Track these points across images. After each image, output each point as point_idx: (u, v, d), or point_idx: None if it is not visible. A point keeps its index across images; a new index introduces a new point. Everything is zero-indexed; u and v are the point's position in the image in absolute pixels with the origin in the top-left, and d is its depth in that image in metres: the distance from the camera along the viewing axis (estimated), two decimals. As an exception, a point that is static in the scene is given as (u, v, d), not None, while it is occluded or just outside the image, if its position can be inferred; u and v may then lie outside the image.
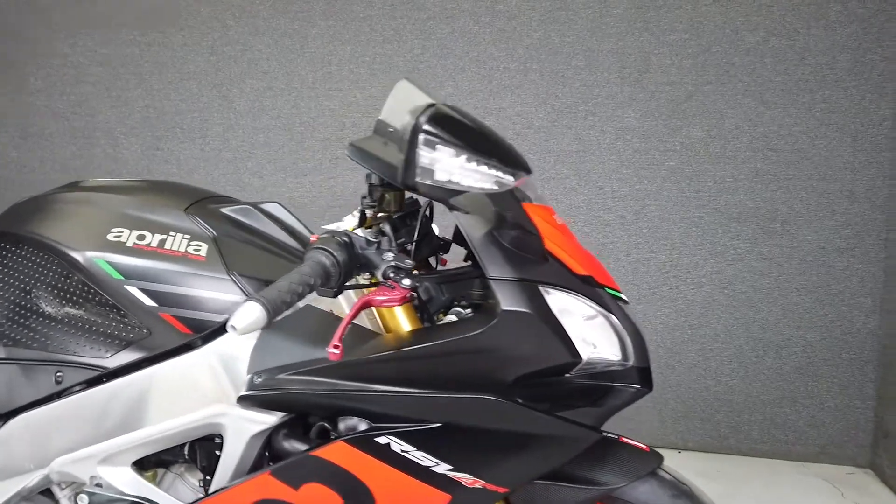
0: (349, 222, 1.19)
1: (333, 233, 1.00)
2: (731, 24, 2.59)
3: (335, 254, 0.96)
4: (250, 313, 0.85)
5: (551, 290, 0.96)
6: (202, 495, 1.09)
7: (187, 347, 1.06)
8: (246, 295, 1.08)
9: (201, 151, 2.98)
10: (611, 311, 0.98)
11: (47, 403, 1.07)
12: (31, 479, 1.07)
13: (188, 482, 1.15)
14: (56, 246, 1.06)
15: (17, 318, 1.09)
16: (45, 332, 1.07)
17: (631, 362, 0.98)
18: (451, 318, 1.06)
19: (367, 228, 1.06)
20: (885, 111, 2.51)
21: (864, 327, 2.58)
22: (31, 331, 1.08)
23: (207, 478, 1.11)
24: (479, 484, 0.98)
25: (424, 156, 0.93)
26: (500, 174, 0.98)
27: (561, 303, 0.96)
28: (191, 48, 2.93)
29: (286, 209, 1.39)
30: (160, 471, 1.15)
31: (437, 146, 0.93)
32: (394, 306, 1.04)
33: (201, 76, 2.93)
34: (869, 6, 2.48)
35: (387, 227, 1.04)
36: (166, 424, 1.04)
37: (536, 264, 0.97)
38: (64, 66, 3.01)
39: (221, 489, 1.04)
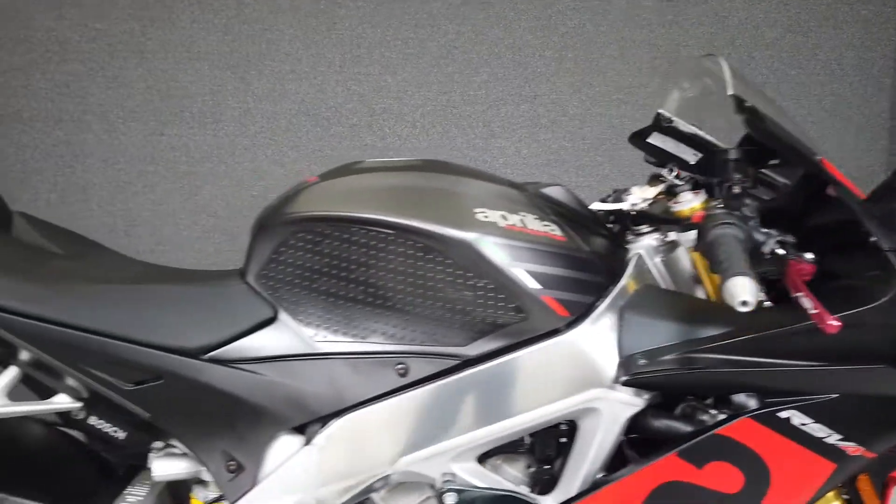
0: (636, 195, 1.19)
1: (722, 210, 0.99)
2: (752, 19, 2.76)
3: (741, 230, 0.96)
4: (749, 287, 0.84)
5: None
6: (539, 483, 1.05)
7: (552, 332, 1.01)
8: (600, 277, 1.05)
9: (214, 138, 2.76)
10: None
11: (386, 398, 0.98)
12: (369, 479, 0.97)
13: (524, 471, 1.09)
14: (427, 229, 0.95)
15: (349, 309, 0.98)
16: (385, 323, 0.97)
17: None
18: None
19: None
20: (884, 104, 2.79)
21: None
22: (367, 323, 0.98)
23: (545, 466, 1.06)
24: (860, 451, 1.01)
25: None
26: None
27: None
28: (201, 25, 2.70)
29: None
30: (497, 462, 1.08)
31: None
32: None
33: (214, 57, 2.71)
34: (871, 8, 2.74)
35: (750, 202, 1.04)
36: (538, 412, 0.99)
37: None
38: (47, 41, 2.67)
39: (619, 475, 1.02)
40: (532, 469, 1.09)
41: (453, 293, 0.96)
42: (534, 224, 1.02)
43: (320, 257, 0.97)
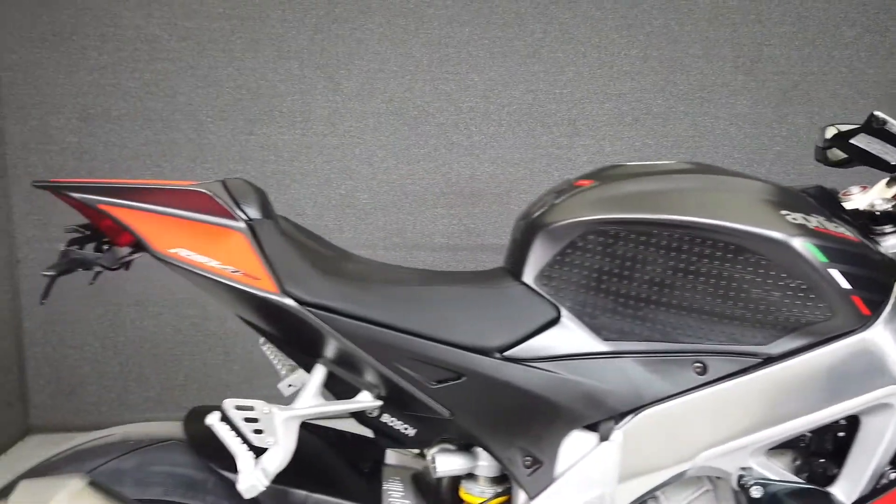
0: (872, 195, 1.20)
1: None
2: (832, 19, 2.81)
3: None
4: None
5: None
6: (814, 477, 1.07)
7: (851, 331, 1.03)
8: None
9: (303, 137, 2.76)
10: None
11: (684, 395, 1.00)
12: (668, 475, 1.00)
13: (798, 464, 1.11)
14: (743, 229, 0.97)
15: (641, 309, 1.00)
16: (682, 323, 0.99)
17: None
18: None
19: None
20: (957, 102, 2.85)
21: None
22: (662, 322, 1.00)
23: (820, 460, 1.08)
24: None
25: None
26: None
27: None
28: (291, 24, 2.70)
29: None
30: (780, 454, 1.10)
31: None
32: None
33: (304, 56, 2.72)
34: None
35: None
36: (833, 408, 1.01)
37: None
38: (136, 39, 2.66)
39: None
40: (800, 462, 1.11)
41: (760, 293, 0.98)
42: (829, 225, 1.04)
43: (612, 259, 0.98)
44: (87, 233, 1.00)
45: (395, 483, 1.11)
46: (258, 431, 0.88)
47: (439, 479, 1.15)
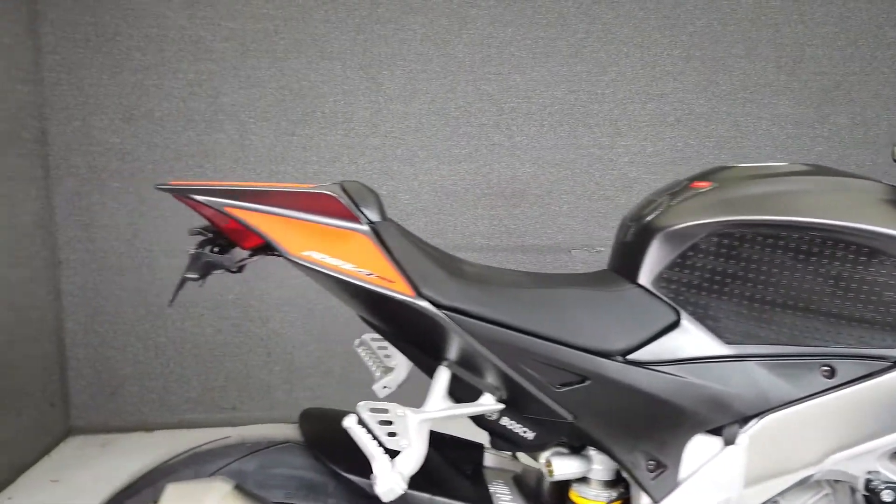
0: None
1: None
2: (875, 19, 2.81)
3: None
4: None
5: None
6: None
7: None
8: None
9: (345, 137, 2.76)
10: None
11: (811, 399, 0.99)
12: (794, 479, 0.99)
13: None
14: (881, 231, 0.95)
15: (766, 312, 0.99)
16: (809, 326, 0.99)
17: None
18: None
19: None
20: None
21: None
22: (788, 325, 0.99)
23: None
24: None
25: None
26: None
27: None
28: (334, 25, 2.70)
29: None
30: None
31: None
32: None
33: (346, 56, 2.71)
34: None
35: None
36: None
37: None
38: (180, 40, 2.66)
39: None
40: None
41: (892, 295, 0.97)
42: None
43: (737, 261, 0.98)
44: (210, 235, 0.99)
45: (500, 485, 1.10)
46: (391, 434, 0.88)
47: (541, 482, 1.15)
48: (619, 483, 1.07)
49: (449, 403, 0.92)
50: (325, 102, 2.73)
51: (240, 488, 0.88)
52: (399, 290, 0.92)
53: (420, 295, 0.92)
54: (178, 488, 0.85)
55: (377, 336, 1.24)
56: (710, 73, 2.81)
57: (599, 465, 1.05)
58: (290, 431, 1.06)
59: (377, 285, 0.91)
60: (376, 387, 1.20)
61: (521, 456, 1.23)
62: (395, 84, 2.74)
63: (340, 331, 2.84)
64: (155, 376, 2.82)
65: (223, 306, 2.79)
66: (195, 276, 0.92)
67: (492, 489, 1.09)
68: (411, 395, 1.10)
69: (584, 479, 1.07)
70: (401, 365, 1.21)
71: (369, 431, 0.88)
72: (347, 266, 0.92)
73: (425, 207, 2.81)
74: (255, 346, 2.84)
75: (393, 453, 0.89)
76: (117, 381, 2.80)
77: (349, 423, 0.87)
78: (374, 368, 1.22)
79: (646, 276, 1.02)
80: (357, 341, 1.26)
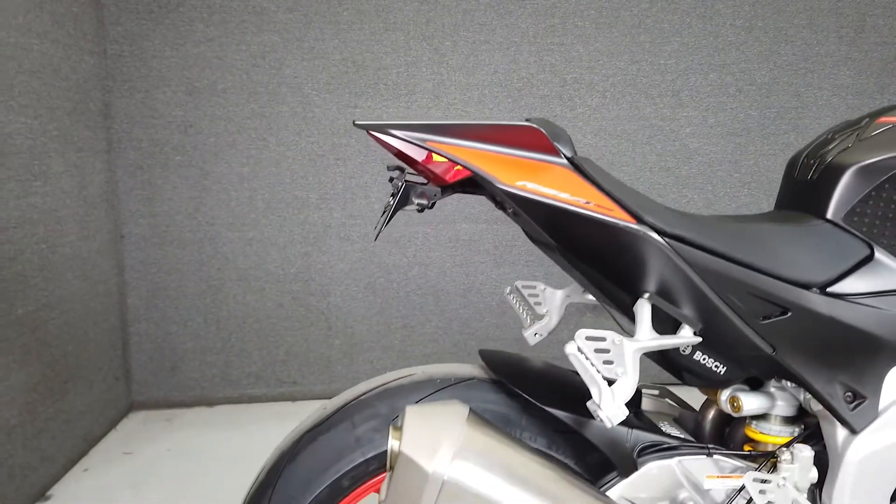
0: None
1: None
2: (936, -12, 2.80)
3: None
4: None
5: None
6: None
7: None
8: None
9: (407, 110, 2.75)
10: None
11: None
12: None
13: None
14: None
15: None
16: None
17: None
18: None
19: None
20: None
21: None
22: None
23: None
24: None
25: None
26: None
27: None
28: (397, -4, 2.68)
29: None
30: None
31: None
32: None
33: (409, 27, 2.70)
34: None
35: None
36: None
37: None
38: (243, 11, 2.63)
39: None
40: None
41: None
42: None
43: None
44: (404, 173, 0.99)
45: (671, 427, 1.10)
46: (607, 363, 0.87)
47: (701, 423, 1.15)
48: (797, 420, 1.07)
49: (655, 334, 0.92)
50: (388, 74, 2.72)
51: (473, 412, 0.88)
52: (621, 217, 0.91)
53: (642, 222, 0.92)
54: (416, 410, 0.85)
55: (529, 283, 1.24)
56: (771, 44, 2.81)
57: (783, 402, 1.05)
58: (470, 370, 1.06)
59: (599, 213, 0.91)
60: (527, 333, 1.20)
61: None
62: (458, 55, 2.73)
63: (400, 304, 2.84)
64: (216, 351, 2.81)
65: (284, 280, 2.78)
66: (401, 206, 0.93)
67: (661, 425, 1.09)
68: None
69: (763, 416, 1.07)
70: (552, 312, 1.20)
71: (587, 359, 0.87)
72: (564, 195, 0.91)
73: (487, 180, 2.80)
74: (316, 319, 2.83)
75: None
76: (178, 355, 2.79)
77: (571, 349, 0.87)
78: (524, 316, 1.21)
79: (837, 212, 1.02)
80: (508, 289, 1.26)
